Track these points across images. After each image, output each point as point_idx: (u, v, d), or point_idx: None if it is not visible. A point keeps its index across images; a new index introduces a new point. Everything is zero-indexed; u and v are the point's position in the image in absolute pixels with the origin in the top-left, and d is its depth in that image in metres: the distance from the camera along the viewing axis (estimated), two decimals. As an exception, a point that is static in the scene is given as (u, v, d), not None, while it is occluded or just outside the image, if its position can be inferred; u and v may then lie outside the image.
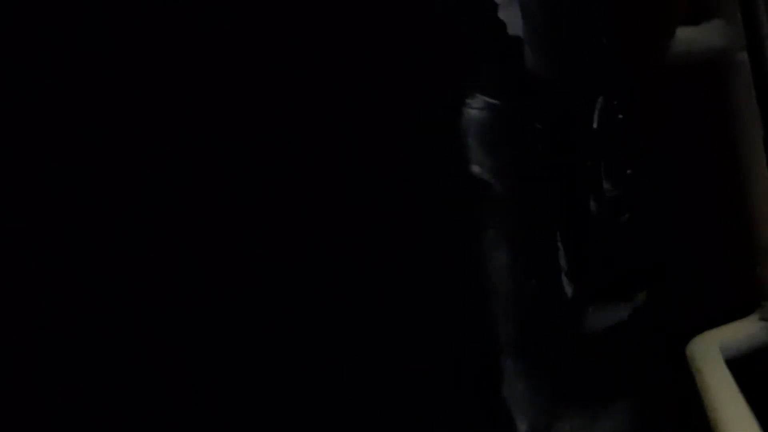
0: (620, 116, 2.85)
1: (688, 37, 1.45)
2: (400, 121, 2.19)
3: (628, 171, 2.73)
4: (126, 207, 2.06)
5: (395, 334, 2.16)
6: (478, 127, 2.32)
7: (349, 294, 2.15)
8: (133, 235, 2.07)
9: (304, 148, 2.18)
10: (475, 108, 2.31)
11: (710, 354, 1.37)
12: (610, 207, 2.63)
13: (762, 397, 1.40)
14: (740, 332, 1.48)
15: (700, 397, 1.29)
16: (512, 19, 2.44)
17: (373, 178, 2.22)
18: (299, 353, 2.14)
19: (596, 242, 2.48)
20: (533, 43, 2.54)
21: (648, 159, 2.20)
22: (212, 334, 2.09)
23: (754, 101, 1.44)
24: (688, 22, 1.46)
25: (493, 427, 2.16)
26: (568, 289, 2.38)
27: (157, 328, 2.06)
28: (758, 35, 1.43)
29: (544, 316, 2.33)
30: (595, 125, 2.73)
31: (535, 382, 2.26)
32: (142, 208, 2.07)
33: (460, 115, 2.24)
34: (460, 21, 2.26)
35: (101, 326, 2.01)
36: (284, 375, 2.13)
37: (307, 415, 2.11)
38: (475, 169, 2.28)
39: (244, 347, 2.11)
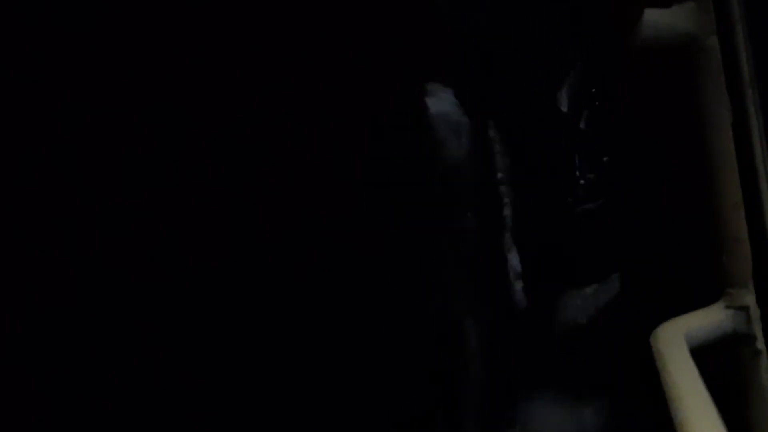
0: (596, 104, 2.84)
1: (658, 20, 1.42)
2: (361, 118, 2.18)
3: (605, 158, 2.72)
4: (120, 202, 2.03)
5: (363, 338, 2.16)
6: (444, 120, 2.31)
7: (317, 299, 2.14)
8: (126, 231, 2.04)
9: (267, 145, 2.16)
10: (440, 100, 2.30)
11: (674, 342, 1.35)
12: (584, 194, 2.63)
13: (726, 386, 1.39)
14: (705, 320, 1.47)
15: (663, 386, 1.27)
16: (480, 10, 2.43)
17: (342, 176, 2.20)
18: (284, 353, 2.13)
19: (566, 230, 2.48)
20: (506, 32, 2.52)
21: (619, 146, 2.19)
22: (197, 328, 2.07)
23: (724, 87, 1.42)
24: (659, 4, 1.43)
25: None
26: (531, 281, 2.39)
27: (147, 324, 2.03)
28: (729, 20, 1.41)
29: (507, 308, 2.34)
30: (572, 114, 2.72)
31: (498, 376, 2.27)
32: (137, 207, 2.05)
33: (424, 108, 2.24)
34: (424, 16, 2.25)
35: (98, 322, 1.99)
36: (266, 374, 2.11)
37: (283, 411, 2.10)
38: (443, 163, 2.28)
39: (228, 342, 2.09)
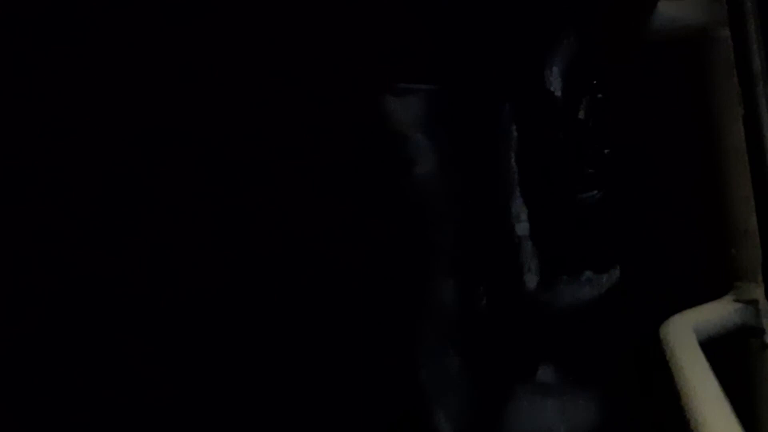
0: (600, 95, 2.83)
1: (669, 12, 1.41)
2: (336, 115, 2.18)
3: (606, 150, 2.72)
4: (116, 208, 2.04)
5: (359, 341, 2.17)
6: (430, 110, 2.30)
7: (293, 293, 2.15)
8: (122, 237, 2.04)
9: (262, 153, 2.15)
10: (424, 90, 2.29)
11: (684, 335, 1.35)
12: (584, 184, 2.62)
13: (735, 378, 1.39)
14: (714, 313, 1.47)
15: (672, 379, 1.27)
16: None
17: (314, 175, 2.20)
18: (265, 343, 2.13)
19: (571, 220, 2.47)
20: (505, 27, 2.51)
21: (625, 138, 2.18)
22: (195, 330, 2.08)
23: (735, 79, 1.41)
24: (671, -4, 1.43)
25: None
26: (533, 273, 2.38)
27: (141, 325, 2.04)
28: (741, 11, 1.41)
29: (506, 297, 2.34)
30: (575, 107, 2.71)
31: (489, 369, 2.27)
32: (133, 213, 2.05)
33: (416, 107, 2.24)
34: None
35: (95, 326, 1.99)
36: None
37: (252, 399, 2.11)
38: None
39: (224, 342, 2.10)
